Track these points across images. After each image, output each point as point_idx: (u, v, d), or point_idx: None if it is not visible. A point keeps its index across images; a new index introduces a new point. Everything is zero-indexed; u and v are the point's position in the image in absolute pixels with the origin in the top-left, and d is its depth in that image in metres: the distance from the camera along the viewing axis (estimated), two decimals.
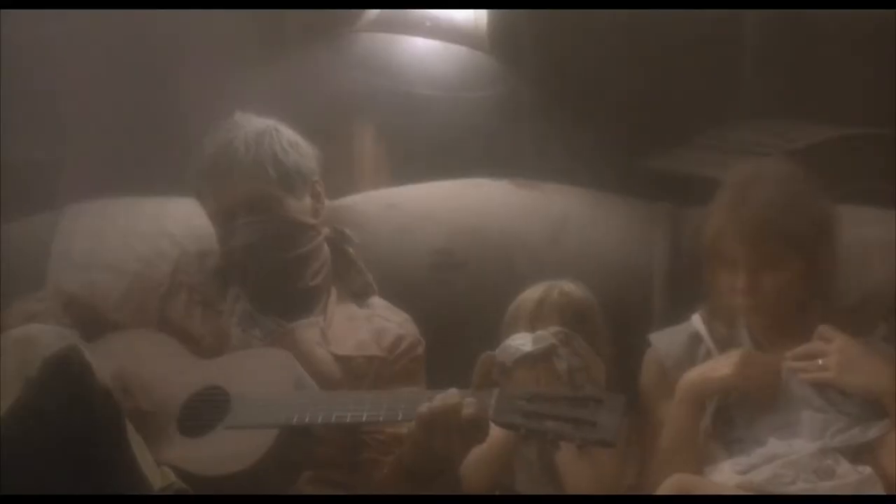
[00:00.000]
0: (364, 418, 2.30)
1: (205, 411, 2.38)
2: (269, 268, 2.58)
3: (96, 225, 2.95)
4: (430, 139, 3.10)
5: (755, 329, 2.49)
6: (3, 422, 1.93)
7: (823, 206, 2.47)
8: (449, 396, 2.23)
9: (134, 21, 3.16)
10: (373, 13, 3.09)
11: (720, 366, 2.41)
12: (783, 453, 2.31)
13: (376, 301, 2.69)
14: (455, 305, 2.78)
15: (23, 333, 2.05)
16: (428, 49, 3.15)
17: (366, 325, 2.60)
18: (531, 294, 2.55)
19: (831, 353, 2.37)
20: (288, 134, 2.62)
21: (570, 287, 2.55)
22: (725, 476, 2.32)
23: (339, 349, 2.55)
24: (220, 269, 2.66)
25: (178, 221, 2.82)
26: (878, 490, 2.26)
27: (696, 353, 2.50)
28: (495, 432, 2.24)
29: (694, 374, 2.42)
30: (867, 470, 2.28)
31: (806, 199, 2.45)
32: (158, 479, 2.15)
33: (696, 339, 2.52)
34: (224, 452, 2.30)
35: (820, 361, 2.37)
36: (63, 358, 1.97)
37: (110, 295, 2.67)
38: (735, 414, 2.42)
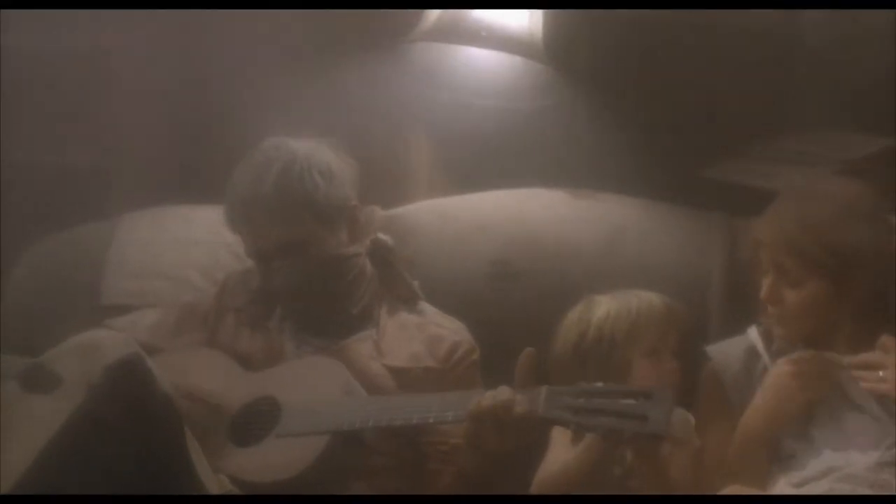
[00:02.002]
0: (414, 420, 2.31)
1: (256, 421, 2.39)
2: (314, 303, 2.58)
3: (152, 234, 2.98)
4: (485, 149, 3.10)
5: (785, 340, 2.44)
6: (66, 427, 1.94)
7: (869, 230, 2.38)
8: (500, 393, 2.23)
9: (189, 30, 3.18)
10: (428, 22, 3.09)
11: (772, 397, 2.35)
12: (839, 466, 2.27)
13: (427, 307, 2.68)
14: (510, 315, 2.77)
15: (87, 339, 2.06)
16: (483, 59, 3.15)
17: (419, 334, 2.60)
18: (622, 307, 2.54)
19: (890, 365, 2.33)
20: (318, 163, 2.56)
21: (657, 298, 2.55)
22: (780, 490, 2.29)
23: (394, 361, 2.55)
24: (263, 292, 2.64)
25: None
26: None
27: (753, 369, 2.45)
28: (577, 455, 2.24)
29: (757, 420, 2.35)
30: None
31: (847, 222, 2.37)
32: (216, 486, 2.16)
33: (752, 353, 2.47)
34: (275, 460, 2.31)
35: (881, 373, 2.33)
36: (126, 365, 1.99)
37: (160, 321, 2.68)
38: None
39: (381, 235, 2.70)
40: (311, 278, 2.55)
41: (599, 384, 2.19)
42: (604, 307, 2.53)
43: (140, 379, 1.99)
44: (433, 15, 3.09)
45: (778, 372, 2.35)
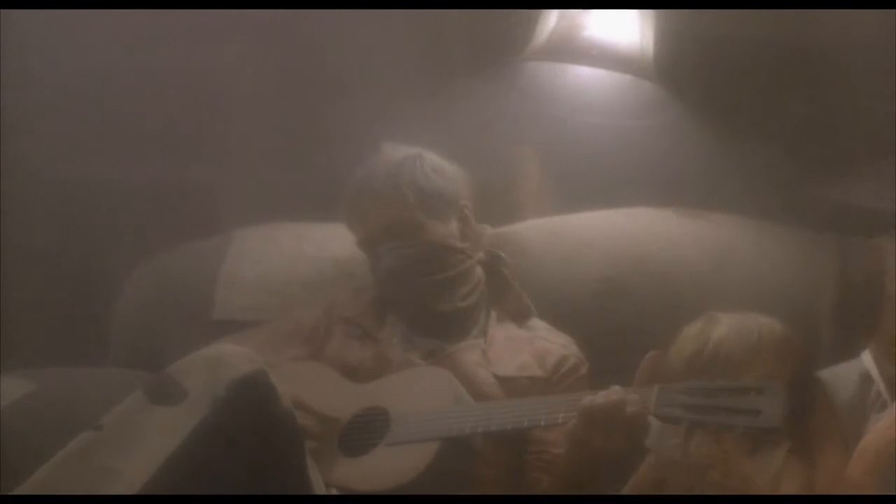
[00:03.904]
0: (525, 423, 2.32)
1: (366, 431, 2.41)
2: (416, 290, 2.61)
3: (264, 250, 3.01)
4: (594, 167, 3.10)
5: None
6: (190, 440, 1.96)
7: None
8: (612, 393, 2.23)
9: (300, 46, 3.21)
10: (539, 41, 3.10)
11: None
12: None
13: (537, 323, 2.69)
14: (618, 333, 2.76)
15: (213, 353, 2.07)
16: (593, 77, 3.15)
17: (527, 346, 2.61)
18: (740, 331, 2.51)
19: None
20: (433, 160, 2.66)
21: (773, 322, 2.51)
22: None
23: (501, 370, 2.56)
24: (376, 301, 2.69)
25: (344, 246, 2.84)
26: None
27: (867, 395, 2.42)
28: None
29: (879, 443, 2.30)
30: None
31: None
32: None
33: (866, 378, 2.43)
34: (386, 469, 2.32)
35: None
36: (251, 380, 2.01)
37: (270, 336, 2.71)
38: None
39: (494, 248, 2.73)
40: (417, 262, 2.59)
41: (711, 382, 2.19)
42: (724, 326, 2.49)
43: (264, 394, 2.01)
44: (544, 33, 3.10)
45: None
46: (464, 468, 2.38)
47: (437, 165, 2.66)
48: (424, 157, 2.66)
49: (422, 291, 2.61)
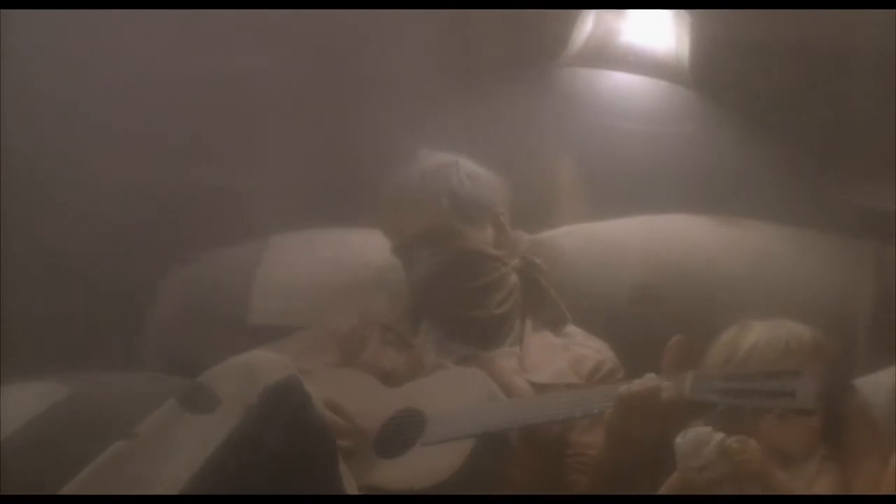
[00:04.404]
0: (560, 416, 2.34)
1: (402, 432, 2.41)
2: (451, 297, 2.61)
3: (300, 255, 3.02)
4: (630, 174, 3.09)
5: None
6: (223, 448, 1.97)
7: None
8: (647, 380, 2.25)
9: (339, 50, 3.23)
10: (576, 47, 3.10)
11: None
12: None
13: (572, 330, 2.70)
14: (654, 340, 2.73)
15: (246, 360, 2.08)
16: (629, 83, 3.14)
17: (563, 353, 2.61)
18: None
19: None
20: (469, 167, 2.67)
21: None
22: None
23: (537, 377, 2.56)
24: (411, 307, 2.69)
25: (381, 252, 2.84)
26: None
27: None
28: None
29: None
30: None
31: None
32: None
33: None
34: (422, 468, 2.32)
35: None
36: (285, 387, 2.01)
37: (305, 342, 2.72)
38: None
39: (532, 257, 2.73)
40: (452, 269, 2.60)
41: (746, 367, 2.22)
42: (754, 335, 2.49)
43: (297, 401, 2.02)
44: (581, 39, 3.10)
45: None
46: (500, 465, 2.38)
47: (472, 172, 2.66)
48: (460, 163, 2.66)
49: (456, 298, 2.62)
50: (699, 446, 2.21)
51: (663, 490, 2.28)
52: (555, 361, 2.59)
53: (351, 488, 2.15)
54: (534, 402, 2.44)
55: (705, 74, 3.09)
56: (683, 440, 2.20)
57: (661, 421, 2.23)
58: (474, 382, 2.46)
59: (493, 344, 2.62)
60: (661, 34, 3.10)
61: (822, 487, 2.36)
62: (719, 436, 2.22)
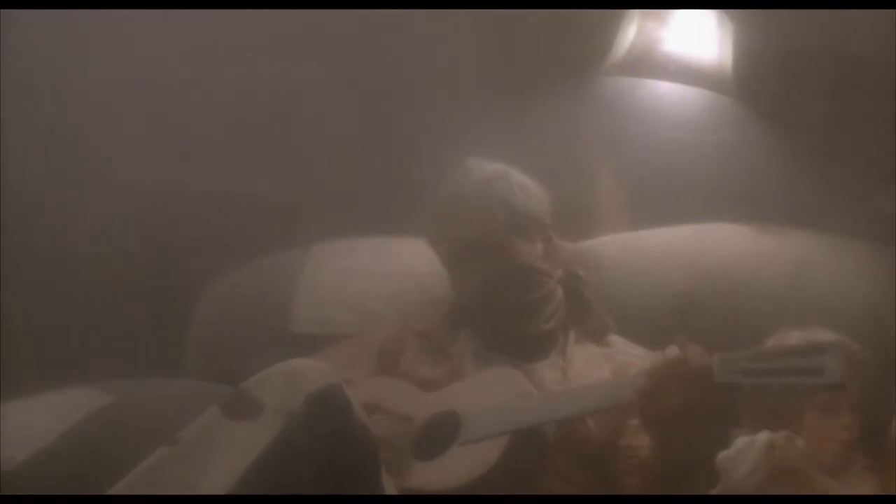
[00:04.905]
0: (592, 407, 2.34)
1: (438, 435, 2.40)
2: (502, 312, 2.60)
3: (343, 264, 3.02)
4: (672, 182, 3.09)
5: None
6: (265, 455, 1.98)
7: None
8: (670, 351, 2.24)
9: (381, 60, 3.24)
10: (618, 56, 3.10)
11: None
12: None
13: (615, 339, 2.69)
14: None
15: (289, 368, 2.08)
16: (671, 92, 3.15)
17: (606, 363, 2.60)
18: None
19: None
20: (519, 178, 2.64)
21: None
22: None
23: None
24: (451, 315, 2.68)
25: (422, 261, 2.85)
26: None
27: None
28: None
29: None
30: None
31: None
32: None
33: None
34: (459, 467, 2.32)
35: None
36: (327, 394, 2.01)
37: (346, 351, 2.72)
38: None
39: (574, 267, 2.72)
40: (504, 283, 2.58)
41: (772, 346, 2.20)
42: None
43: (340, 409, 2.02)
44: (623, 48, 3.10)
45: None
46: (536, 462, 2.37)
47: (523, 184, 2.63)
48: (511, 174, 2.63)
49: (507, 313, 2.60)
50: (744, 450, 2.21)
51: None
52: (598, 371, 2.57)
53: (390, 493, 2.17)
54: (566, 395, 2.44)
55: (748, 83, 3.09)
56: (727, 451, 2.19)
57: (693, 389, 2.20)
58: (508, 381, 2.46)
59: (537, 357, 2.60)
60: (703, 42, 3.10)
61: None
62: (763, 434, 2.21)
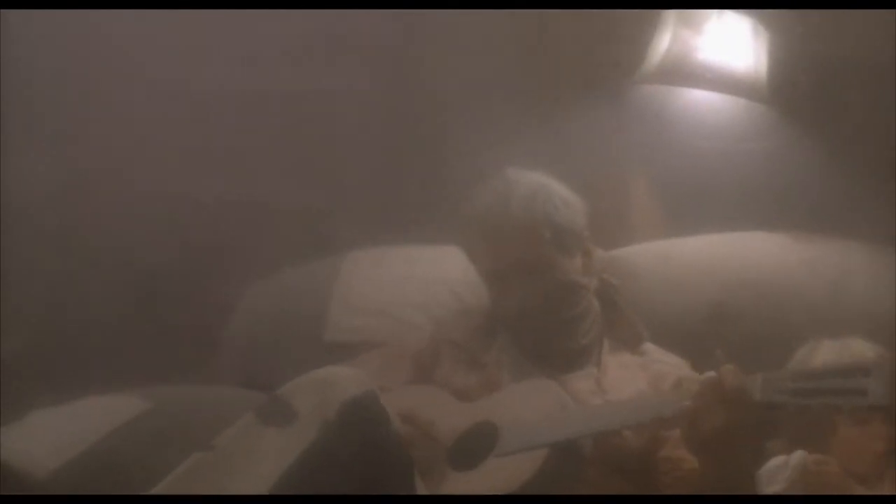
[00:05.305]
0: (632, 422, 2.32)
1: (475, 445, 2.39)
2: (542, 328, 2.59)
3: (376, 272, 3.03)
4: (706, 191, 3.09)
5: None
6: (300, 462, 1.98)
7: None
8: (711, 373, 2.21)
9: (413, 68, 3.25)
10: (653, 64, 3.10)
11: None
12: None
13: (649, 347, 2.67)
14: (731, 359, 2.73)
15: (324, 375, 2.08)
16: (706, 100, 3.14)
17: (641, 373, 2.59)
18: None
19: None
20: (560, 191, 2.60)
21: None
22: None
23: (616, 397, 2.53)
24: (485, 325, 2.67)
25: (457, 269, 2.85)
26: None
27: None
28: None
29: None
30: None
31: None
32: None
33: None
34: (495, 479, 2.30)
35: None
36: (362, 402, 2.02)
37: (379, 358, 2.71)
38: None
39: (608, 276, 2.71)
40: (547, 301, 2.56)
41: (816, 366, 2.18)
42: (825, 353, 2.48)
43: (375, 417, 2.02)
44: (657, 56, 3.09)
45: None
46: (573, 474, 2.35)
47: (565, 197, 2.60)
48: (553, 188, 2.60)
49: (548, 329, 2.59)
50: (779, 470, 2.19)
51: None
52: (633, 381, 2.57)
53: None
54: (605, 409, 2.43)
55: (783, 90, 3.08)
56: (761, 470, 2.18)
57: (734, 408, 2.17)
58: (546, 394, 2.45)
59: (572, 367, 2.59)
60: (738, 50, 3.08)
61: None
62: (797, 454, 2.20)
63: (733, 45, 3.09)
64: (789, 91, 3.07)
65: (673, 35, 3.10)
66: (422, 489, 2.17)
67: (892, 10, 2.87)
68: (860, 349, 2.45)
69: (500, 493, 2.25)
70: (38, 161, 3.23)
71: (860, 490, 2.26)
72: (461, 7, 3.08)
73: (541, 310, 2.57)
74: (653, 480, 2.46)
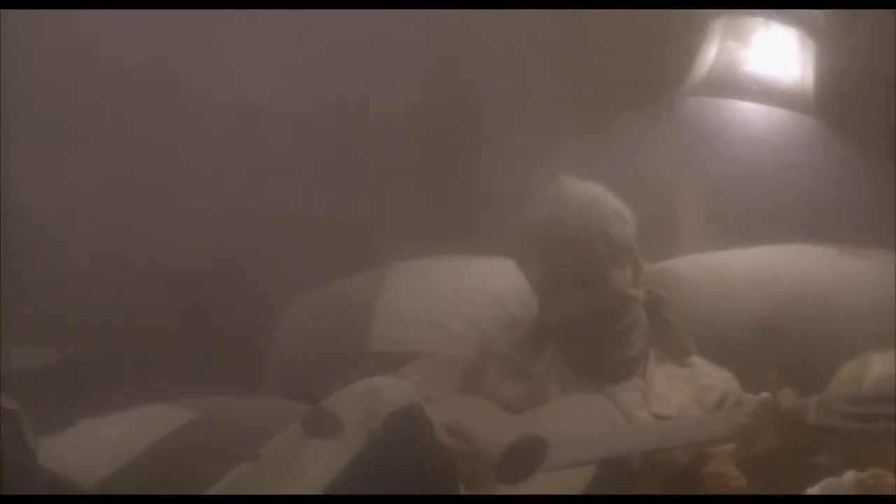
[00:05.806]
0: (683, 442, 2.31)
1: (522, 459, 2.38)
2: (593, 341, 2.58)
3: (422, 283, 3.03)
4: (754, 203, 3.08)
5: None
6: (345, 473, 1.99)
7: None
8: (766, 395, 2.20)
9: (461, 77, 3.25)
10: (699, 76, 3.09)
11: None
12: None
13: (696, 360, 2.66)
14: (776, 371, 2.72)
15: (369, 386, 2.09)
16: (753, 112, 3.12)
17: (687, 385, 2.58)
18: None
19: None
20: (613, 203, 2.61)
21: None
22: None
23: (662, 409, 2.53)
24: (532, 335, 2.67)
25: (503, 281, 2.85)
26: None
27: None
28: None
29: None
30: None
31: None
32: None
33: None
34: (543, 493, 2.30)
35: None
36: (407, 413, 2.03)
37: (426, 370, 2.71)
38: None
39: (655, 288, 2.71)
40: (598, 313, 2.56)
41: (872, 390, 2.15)
42: (879, 366, 2.44)
43: (420, 428, 2.03)
44: (704, 69, 3.09)
45: None
46: (622, 490, 2.35)
47: (618, 209, 2.61)
48: (607, 199, 2.61)
49: (597, 341, 2.59)
50: (833, 489, 2.18)
51: None
52: (679, 393, 2.56)
53: None
54: (656, 426, 2.42)
55: (830, 103, 3.06)
56: (813, 489, 2.16)
57: (789, 430, 2.16)
58: (595, 408, 2.44)
59: (619, 380, 2.59)
60: (785, 63, 3.07)
61: None
62: (849, 475, 2.18)
63: (780, 56, 3.08)
64: (836, 102, 3.06)
65: (720, 47, 3.09)
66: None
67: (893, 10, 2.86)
68: None
69: None
70: (81, 167, 3.25)
71: None
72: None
73: (591, 321, 2.56)
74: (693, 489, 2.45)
